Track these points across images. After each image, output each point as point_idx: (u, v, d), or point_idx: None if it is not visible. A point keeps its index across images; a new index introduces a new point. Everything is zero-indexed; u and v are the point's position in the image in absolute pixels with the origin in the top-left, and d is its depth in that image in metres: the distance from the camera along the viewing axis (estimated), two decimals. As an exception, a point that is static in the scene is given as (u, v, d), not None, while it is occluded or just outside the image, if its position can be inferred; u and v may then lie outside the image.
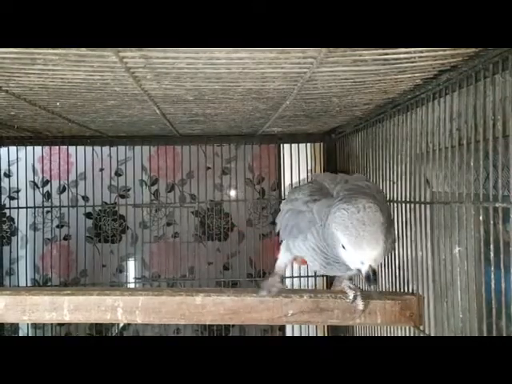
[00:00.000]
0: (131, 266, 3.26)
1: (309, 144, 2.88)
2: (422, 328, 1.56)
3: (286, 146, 2.78)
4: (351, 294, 1.54)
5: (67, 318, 1.54)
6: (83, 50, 0.93)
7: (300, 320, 1.60)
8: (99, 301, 1.54)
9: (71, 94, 1.36)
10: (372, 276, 1.19)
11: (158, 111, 1.61)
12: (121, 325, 3.88)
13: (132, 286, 3.29)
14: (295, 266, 2.72)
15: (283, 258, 1.66)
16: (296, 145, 2.73)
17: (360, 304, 1.53)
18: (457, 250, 1.30)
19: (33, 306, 1.54)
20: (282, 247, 1.64)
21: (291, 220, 1.50)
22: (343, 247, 1.23)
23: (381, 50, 0.99)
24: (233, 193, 3.26)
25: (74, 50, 0.93)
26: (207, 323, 1.58)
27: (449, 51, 1.05)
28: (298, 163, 2.75)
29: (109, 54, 0.96)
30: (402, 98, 1.60)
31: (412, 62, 1.08)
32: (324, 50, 0.95)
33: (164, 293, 1.56)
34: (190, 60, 1.02)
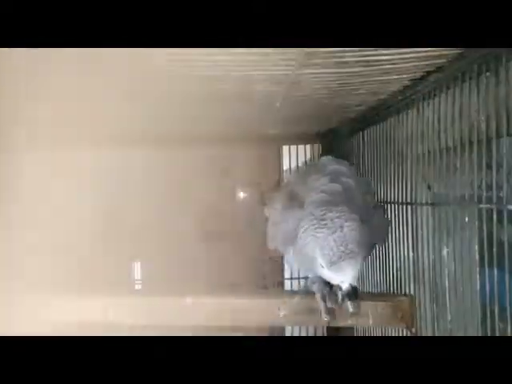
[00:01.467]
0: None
1: (308, 145, 2.88)
2: (414, 330, 1.55)
3: (285, 147, 2.79)
4: (318, 296, 1.51)
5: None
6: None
7: (292, 321, 1.61)
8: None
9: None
10: (352, 293, 1.21)
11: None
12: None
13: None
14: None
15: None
16: (295, 146, 2.74)
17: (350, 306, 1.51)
18: (445, 251, 1.30)
19: None
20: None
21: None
22: (322, 266, 1.24)
23: (362, 52, 1.00)
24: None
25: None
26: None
27: (431, 52, 1.05)
28: (297, 164, 2.76)
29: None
30: (393, 100, 1.60)
31: (394, 64, 1.08)
32: (303, 52, 0.95)
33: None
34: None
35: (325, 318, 1.52)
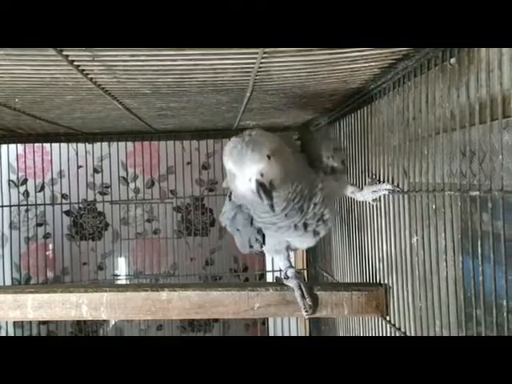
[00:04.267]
0: (112, 263, 3.25)
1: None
2: (388, 318, 1.55)
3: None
4: (297, 293, 1.51)
5: (31, 315, 1.53)
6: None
7: (267, 313, 1.60)
8: (63, 298, 1.53)
9: (26, 90, 1.35)
10: (262, 191, 1.16)
11: (120, 106, 1.60)
12: (111, 323, 3.88)
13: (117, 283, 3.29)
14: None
15: (279, 259, 1.61)
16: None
17: (308, 300, 1.51)
18: (415, 239, 1.30)
19: (-4, 305, 1.53)
20: (266, 252, 1.61)
21: (235, 229, 1.51)
22: (234, 175, 1.22)
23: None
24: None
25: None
26: (173, 318, 1.58)
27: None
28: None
29: (47, 48, 0.95)
30: (365, 88, 1.60)
31: (358, 52, 1.07)
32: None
33: (129, 288, 1.56)
34: (133, 52, 1.01)
35: (305, 315, 1.51)
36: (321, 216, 1.40)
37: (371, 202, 1.57)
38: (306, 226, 1.39)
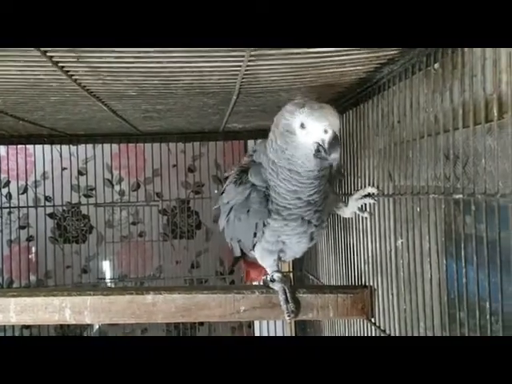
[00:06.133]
0: (97, 266, 3.22)
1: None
2: (373, 320, 1.56)
3: (252, 142, 2.77)
4: (282, 297, 1.51)
5: (14, 319, 1.51)
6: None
7: (252, 316, 1.60)
8: (46, 302, 1.51)
9: (9, 91, 1.33)
10: (337, 142, 1.23)
11: (105, 108, 1.59)
12: (96, 327, 3.83)
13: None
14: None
15: (269, 261, 1.60)
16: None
17: (291, 305, 1.51)
18: (399, 241, 1.31)
19: (-23, 309, 1.50)
20: (258, 251, 1.59)
21: (242, 215, 1.50)
22: (302, 126, 1.24)
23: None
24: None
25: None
26: (158, 321, 1.57)
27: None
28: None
29: (30, 48, 0.94)
30: (351, 92, 1.61)
31: (344, 56, 1.08)
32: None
33: (113, 292, 1.54)
34: (119, 54, 1.00)
35: (288, 319, 1.52)
36: (321, 221, 1.51)
37: (358, 213, 1.57)
38: (309, 223, 1.47)
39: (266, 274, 1.63)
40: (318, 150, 1.25)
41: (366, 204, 1.56)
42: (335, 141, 1.22)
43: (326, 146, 1.23)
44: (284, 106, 1.31)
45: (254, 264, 1.71)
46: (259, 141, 1.85)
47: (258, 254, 1.61)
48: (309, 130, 1.24)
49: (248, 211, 1.49)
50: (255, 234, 1.51)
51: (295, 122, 1.25)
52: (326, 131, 1.22)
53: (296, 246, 1.56)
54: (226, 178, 1.65)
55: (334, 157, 1.23)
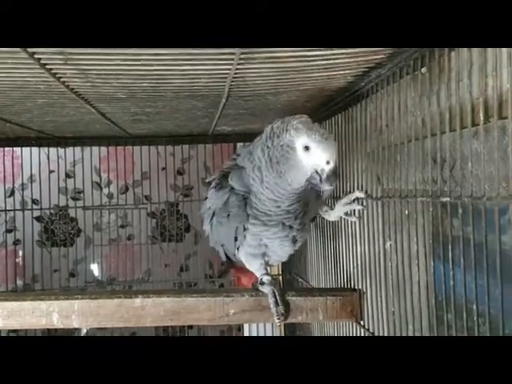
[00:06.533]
0: (85, 270, 3.19)
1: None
2: (362, 323, 1.57)
3: (241, 145, 2.77)
4: (271, 300, 1.51)
5: (0, 324, 1.49)
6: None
7: (242, 319, 1.59)
8: (33, 306, 1.49)
9: (-4, 93, 1.32)
10: (334, 176, 1.26)
11: (93, 110, 1.58)
12: (84, 331, 3.79)
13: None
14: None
15: (255, 265, 1.60)
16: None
17: (281, 308, 1.51)
18: (388, 244, 1.31)
19: (-36, 314, 1.48)
20: (243, 256, 1.59)
21: (223, 219, 1.50)
22: (306, 149, 1.24)
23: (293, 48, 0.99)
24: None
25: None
26: (147, 325, 1.56)
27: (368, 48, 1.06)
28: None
29: (18, 50, 0.93)
30: (339, 96, 1.62)
31: (332, 59, 1.08)
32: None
33: (101, 295, 1.53)
34: (108, 56, 1.00)
35: (277, 322, 1.51)
36: (303, 225, 1.52)
37: (345, 217, 1.58)
38: (291, 228, 1.48)
39: (256, 280, 1.63)
40: (313, 177, 1.26)
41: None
42: (334, 174, 1.25)
43: (324, 176, 1.24)
44: (283, 117, 1.33)
45: (244, 270, 1.71)
46: (243, 144, 1.87)
47: (243, 259, 1.61)
48: (312, 154, 1.25)
49: (228, 215, 1.50)
50: (236, 238, 1.52)
51: (300, 142, 1.25)
52: (328, 162, 1.23)
53: (279, 250, 1.57)
54: (209, 182, 1.65)
55: (328, 188, 1.28)
